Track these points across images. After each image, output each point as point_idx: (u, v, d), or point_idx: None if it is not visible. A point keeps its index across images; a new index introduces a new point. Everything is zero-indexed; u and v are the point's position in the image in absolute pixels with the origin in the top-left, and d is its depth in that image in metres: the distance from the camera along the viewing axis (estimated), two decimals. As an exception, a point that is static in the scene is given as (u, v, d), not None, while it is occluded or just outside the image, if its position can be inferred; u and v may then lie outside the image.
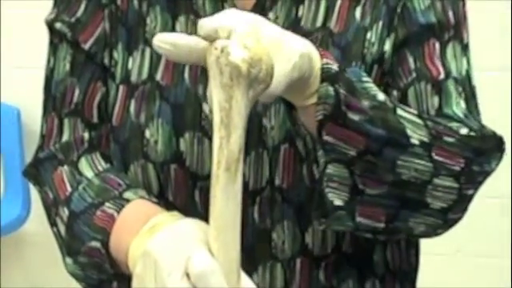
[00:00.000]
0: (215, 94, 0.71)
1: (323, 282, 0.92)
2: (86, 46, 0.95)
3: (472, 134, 0.87)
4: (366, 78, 0.83)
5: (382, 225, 0.84)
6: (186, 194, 0.91)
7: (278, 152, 0.90)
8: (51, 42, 0.99)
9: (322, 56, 0.79)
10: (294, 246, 0.91)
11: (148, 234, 0.78)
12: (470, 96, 0.94)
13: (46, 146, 0.99)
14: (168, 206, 0.90)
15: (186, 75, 0.92)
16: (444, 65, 0.92)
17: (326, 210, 0.82)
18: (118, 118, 0.94)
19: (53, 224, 0.95)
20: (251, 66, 0.70)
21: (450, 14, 0.94)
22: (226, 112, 0.70)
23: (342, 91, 0.79)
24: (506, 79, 2.44)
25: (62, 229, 0.92)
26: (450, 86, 0.92)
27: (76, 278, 0.92)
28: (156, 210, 0.85)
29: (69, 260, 0.91)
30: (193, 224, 0.76)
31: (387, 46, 0.92)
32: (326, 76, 0.79)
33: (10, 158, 2.66)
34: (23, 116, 2.66)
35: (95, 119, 0.96)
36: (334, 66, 0.80)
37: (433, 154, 0.84)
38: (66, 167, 0.95)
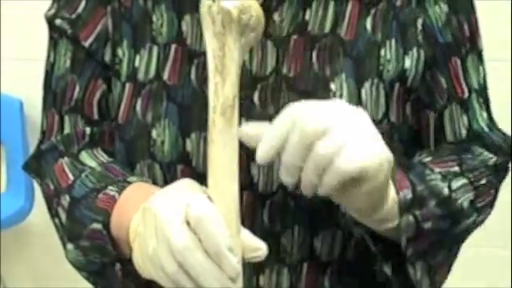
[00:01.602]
0: (209, 43, 0.75)
1: None
2: (87, 44, 0.95)
3: (499, 161, 0.95)
4: (428, 176, 0.87)
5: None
6: None
7: None
8: (51, 37, 0.99)
9: (395, 182, 0.82)
10: (302, 251, 0.91)
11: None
12: (487, 101, 0.98)
13: (47, 139, 0.99)
14: None
15: (193, 76, 0.92)
16: (466, 81, 0.95)
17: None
18: (123, 116, 0.94)
19: (54, 215, 0.95)
20: (242, 13, 0.75)
21: (466, 27, 0.95)
22: (220, 59, 0.75)
23: (418, 214, 0.83)
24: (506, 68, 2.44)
25: (63, 216, 0.92)
26: (474, 101, 0.96)
27: (77, 267, 0.91)
28: (157, 189, 0.84)
29: (70, 246, 0.90)
30: (190, 180, 0.77)
31: (407, 64, 0.92)
32: (405, 206, 0.82)
33: (13, 149, 2.66)
34: (26, 107, 2.66)
35: (95, 116, 0.97)
36: (409, 192, 0.83)
37: (477, 206, 0.91)
38: (66, 159, 0.96)
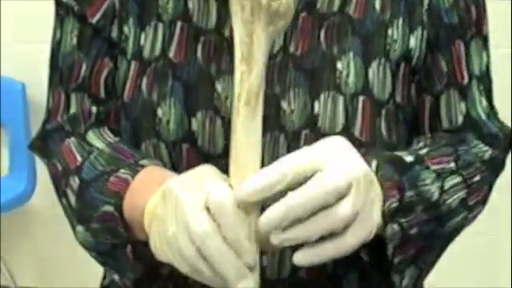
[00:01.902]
0: (237, 30, 0.74)
1: None
2: (94, 20, 0.94)
3: (494, 154, 0.93)
4: (421, 179, 0.85)
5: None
6: None
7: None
8: (57, 14, 0.98)
9: (383, 191, 0.80)
10: None
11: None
12: (488, 89, 0.97)
13: (52, 119, 0.98)
14: None
15: (199, 53, 0.91)
16: (468, 67, 0.94)
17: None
18: (129, 94, 0.93)
19: (62, 196, 0.94)
20: (272, 0, 0.72)
21: (473, 9, 0.94)
22: (248, 47, 0.73)
23: (403, 221, 0.82)
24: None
25: (73, 198, 0.91)
26: (474, 87, 0.94)
27: (86, 247, 0.91)
28: (172, 174, 0.85)
29: (80, 228, 0.90)
30: (210, 167, 0.78)
31: (412, 43, 0.92)
32: (390, 216, 0.81)
33: (15, 132, 2.65)
34: (28, 90, 2.66)
35: (102, 95, 0.96)
36: (395, 200, 0.81)
37: (469, 204, 0.90)
38: (73, 139, 0.95)
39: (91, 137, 0.95)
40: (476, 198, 0.91)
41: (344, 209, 0.72)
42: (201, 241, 0.71)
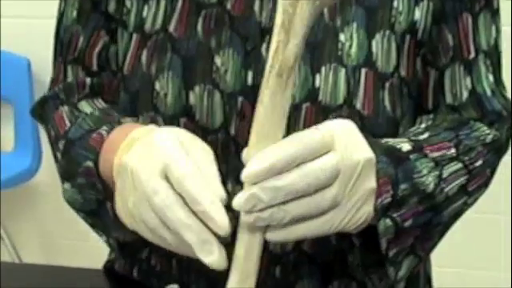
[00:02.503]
0: None
1: None
2: None
3: (496, 136, 0.92)
4: (417, 171, 0.83)
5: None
6: None
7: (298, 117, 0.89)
8: None
9: (379, 187, 0.78)
10: None
11: (126, 149, 0.77)
12: (496, 64, 0.94)
13: (53, 88, 1.00)
14: None
15: (199, 27, 0.90)
16: (475, 41, 0.92)
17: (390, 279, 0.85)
18: (129, 67, 0.94)
19: (55, 160, 0.96)
20: None
21: None
22: (289, 16, 0.68)
23: (396, 215, 0.80)
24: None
25: (60, 159, 0.93)
26: (480, 62, 0.92)
27: (74, 207, 0.91)
28: (137, 127, 0.83)
29: (67, 185, 0.90)
30: (169, 133, 0.75)
31: (417, 15, 0.90)
32: (382, 210, 0.79)
33: (20, 109, 2.65)
34: (33, 67, 2.66)
35: (94, 67, 0.97)
36: (388, 196, 0.79)
37: (469, 189, 0.89)
38: (66, 107, 0.97)
39: (83, 105, 0.97)
40: (478, 183, 0.90)
41: (326, 196, 0.71)
42: (162, 213, 0.70)
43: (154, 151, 0.73)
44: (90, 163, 0.86)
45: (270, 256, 0.91)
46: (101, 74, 0.97)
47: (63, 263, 1.10)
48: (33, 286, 1.00)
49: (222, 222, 0.68)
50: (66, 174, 0.91)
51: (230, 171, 0.88)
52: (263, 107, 0.70)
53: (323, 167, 0.70)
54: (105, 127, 0.88)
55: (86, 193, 0.87)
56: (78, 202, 0.90)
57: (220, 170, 0.74)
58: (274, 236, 0.72)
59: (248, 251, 0.71)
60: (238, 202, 0.69)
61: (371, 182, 0.76)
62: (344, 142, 0.72)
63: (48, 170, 2.64)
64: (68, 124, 0.94)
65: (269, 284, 0.92)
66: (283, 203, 0.70)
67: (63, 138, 0.93)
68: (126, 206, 0.75)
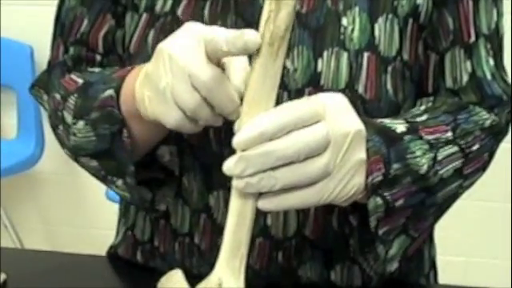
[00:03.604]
0: None
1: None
2: None
3: (495, 121, 0.92)
4: (410, 152, 0.83)
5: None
6: (200, 131, 0.91)
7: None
8: None
9: (370, 164, 0.78)
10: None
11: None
12: (497, 49, 0.94)
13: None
14: (182, 142, 0.91)
15: (206, 12, 0.90)
16: (476, 24, 0.92)
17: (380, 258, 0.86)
18: (135, 46, 0.93)
19: (59, 123, 0.94)
20: None
21: None
22: None
23: (387, 194, 0.80)
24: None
25: (71, 109, 0.91)
26: (481, 46, 0.92)
27: (86, 150, 0.90)
28: None
29: (80, 124, 0.89)
30: (197, 29, 0.76)
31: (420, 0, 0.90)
32: (372, 188, 0.79)
33: (24, 96, 2.65)
34: (36, 54, 2.66)
35: (100, 50, 0.97)
36: (379, 174, 0.79)
37: (464, 173, 0.89)
38: (75, 72, 0.96)
39: (94, 69, 0.96)
40: (475, 166, 0.90)
41: (316, 165, 0.72)
42: (207, 89, 0.72)
43: (193, 40, 0.74)
44: (110, 91, 0.85)
45: (272, 242, 0.92)
46: (108, 56, 0.97)
47: (65, 250, 1.10)
48: (35, 272, 1.00)
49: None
50: (81, 112, 0.89)
51: None
52: (254, 77, 0.71)
53: (314, 135, 0.71)
54: (130, 68, 0.87)
55: (99, 128, 0.87)
56: (91, 143, 0.89)
57: None
58: (265, 204, 0.72)
59: (240, 219, 0.72)
60: (228, 165, 0.70)
61: (361, 153, 0.76)
62: (335, 113, 0.73)
63: (51, 157, 2.65)
64: (80, 80, 0.93)
65: (271, 269, 0.93)
66: (273, 169, 0.70)
67: (75, 92, 0.91)
68: (157, 88, 0.75)
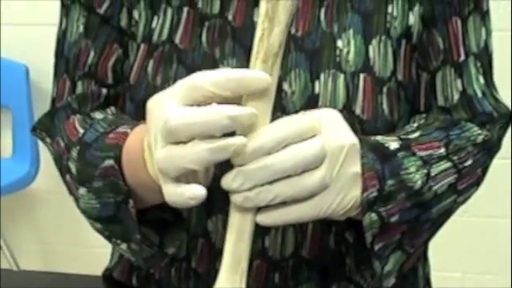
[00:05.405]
0: None
1: None
2: (101, 10, 0.94)
3: (488, 136, 0.92)
4: (404, 168, 0.83)
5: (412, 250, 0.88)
6: None
7: None
8: (63, 5, 0.98)
9: (364, 181, 0.78)
10: None
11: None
12: (487, 66, 0.95)
13: (56, 105, 0.98)
14: None
15: (204, 39, 0.91)
16: (465, 43, 0.93)
17: (377, 274, 0.85)
18: (135, 77, 0.93)
19: (65, 172, 0.93)
20: None
21: None
22: (273, 5, 0.71)
23: (382, 210, 0.81)
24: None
25: (73, 166, 0.90)
26: (470, 64, 0.93)
27: (90, 215, 0.89)
28: None
29: (83, 190, 0.88)
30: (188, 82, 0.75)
31: (412, 20, 0.91)
32: (368, 204, 0.79)
33: (19, 115, 2.66)
34: (31, 73, 2.66)
35: (110, 80, 0.96)
36: (374, 190, 0.79)
37: (458, 188, 0.89)
38: (78, 116, 0.95)
39: (96, 114, 0.95)
40: (468, 182, 0.91)
41: (313, 177, 0.72)
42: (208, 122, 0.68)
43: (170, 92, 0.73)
44: (109, 162, 0.84)
45: (270, 263, 0.92)
46: (117, 86, 0.96)
47: (61, 270, 1.10)
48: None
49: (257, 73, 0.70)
50: (83, 178, 0.89)
51: None
52: (250, 95, 0.71)
53: (311, 148, 0.71)
54: (124, 127, 0.87)
55: (103, 197, 0.86)
56: (94, 209, 0.88)
57: None
58: (264, 218, 0.73)
59: (239, 234, 0.72)
60: (226, 180, 0.70)
61: (357, 167, 0.76)
62: (330, 128, 0.74)
63: (46, 176, 2.64)
64: (81, 130, 0.92)
65: None
66: (271, 183, 0.71)
67: (77, 144, 0.91)
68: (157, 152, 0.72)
